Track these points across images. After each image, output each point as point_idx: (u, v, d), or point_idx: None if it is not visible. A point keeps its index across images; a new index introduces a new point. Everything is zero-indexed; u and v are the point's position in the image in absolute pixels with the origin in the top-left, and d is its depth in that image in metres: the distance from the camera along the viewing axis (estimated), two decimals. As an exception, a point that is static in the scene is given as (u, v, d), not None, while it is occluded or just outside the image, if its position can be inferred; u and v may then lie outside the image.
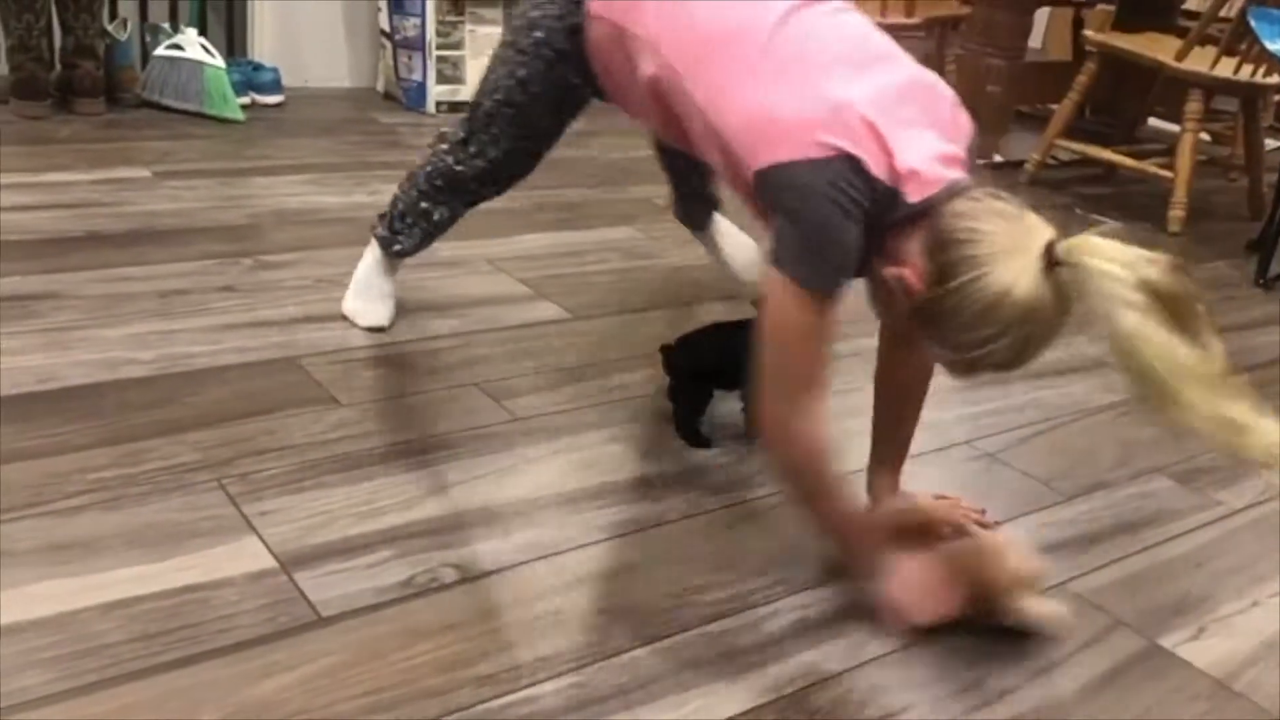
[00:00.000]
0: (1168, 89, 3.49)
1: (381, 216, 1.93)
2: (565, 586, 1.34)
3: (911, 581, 1.33)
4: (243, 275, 2.10)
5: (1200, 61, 3.06)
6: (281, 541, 1.35)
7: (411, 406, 1.72)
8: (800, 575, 1.41)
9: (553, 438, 1.67)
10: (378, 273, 1.98)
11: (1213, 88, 3.13)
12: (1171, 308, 1.08)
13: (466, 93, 3.44)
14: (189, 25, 3.14)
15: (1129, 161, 3.29)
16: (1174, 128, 3.39)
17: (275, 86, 3.25)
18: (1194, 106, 3.08)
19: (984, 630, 1.33)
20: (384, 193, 2.64)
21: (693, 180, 2.13)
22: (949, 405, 1.90)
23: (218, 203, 2.47)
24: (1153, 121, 4.16)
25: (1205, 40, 3.10)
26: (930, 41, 3.70)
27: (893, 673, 1.27)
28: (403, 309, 2.02)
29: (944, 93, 1.34)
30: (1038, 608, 1.33)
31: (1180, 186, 3.09)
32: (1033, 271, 1.16)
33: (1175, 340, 1.07)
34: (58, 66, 2.97)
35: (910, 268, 1.23)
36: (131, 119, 2.98)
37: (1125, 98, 3.84)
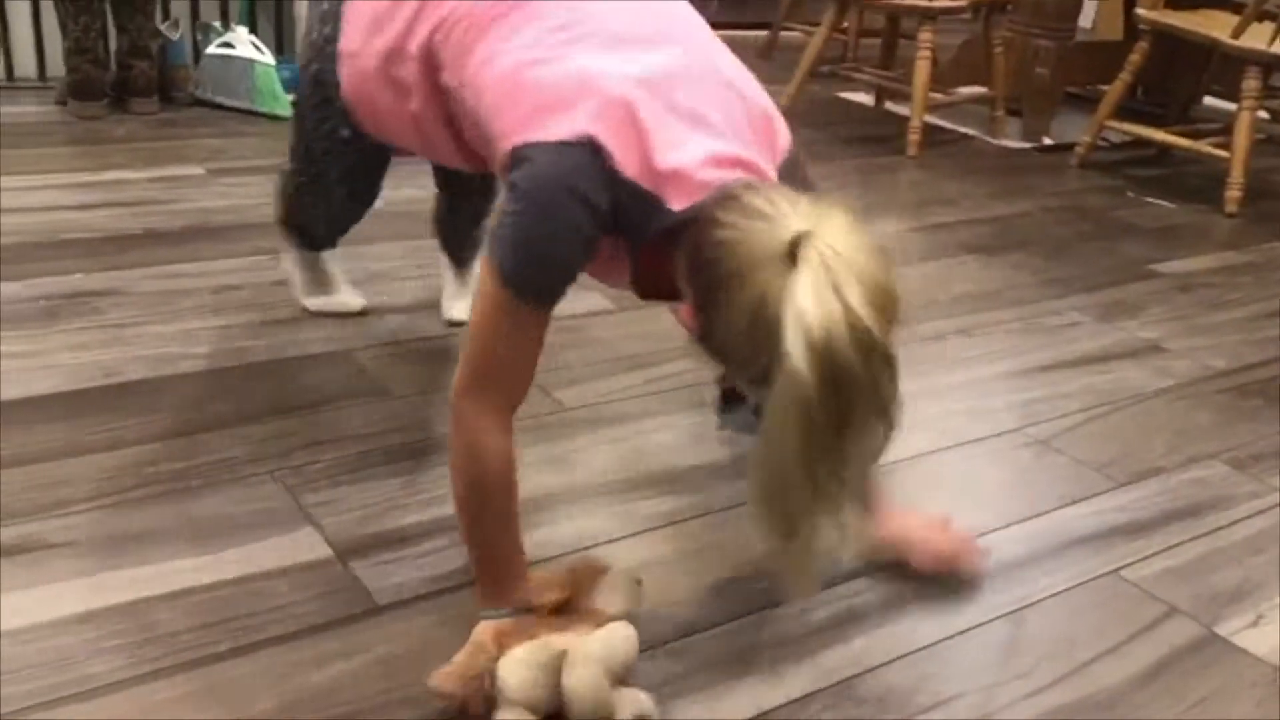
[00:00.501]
0: (1223, 67, 3.42)
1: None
2: (615, 575, 1.35)
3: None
4: (294, 270, 2.13)
5: (1257, 38, 2.99)
6: (337, 531, 1.38)
7: (461, 398, 1.73)
8: (846, 565, 1.41)
9: (601, 428, 1.69)
10: (308, 265, 1.92)
11: (1271, 64, 3.06)
12: (842, 379, 0.95)
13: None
14: (239, 24, 3.19)
15: (1183, 142, 3.23)
16: (1230, 106, 3.32)
17: (323, 82, 3.29)
18: (1251, 84, 3.02)
19: (1034, 617, 1.32)
20: (431, 188, 2.67)
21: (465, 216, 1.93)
22: (998, 392, 1.89)
23: (268, 199, 2.48)
24: (1208, 100, 4.08)
25: (1262, 16, 3.03)
26: (977, 23, 3.66)
27: (942, 661, 1.26)
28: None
29: (749, 93, 1.19)
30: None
31: (1237, 166, 3.03)
32: (778, 278, 0.98)
33: (808, 445, 0.97)
34: (113, 67, 3.03)
35: (684, 304, 1.09)
36: (185, 117, 3.03)
37: (1179, 77, 3.77)
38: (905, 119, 3.37)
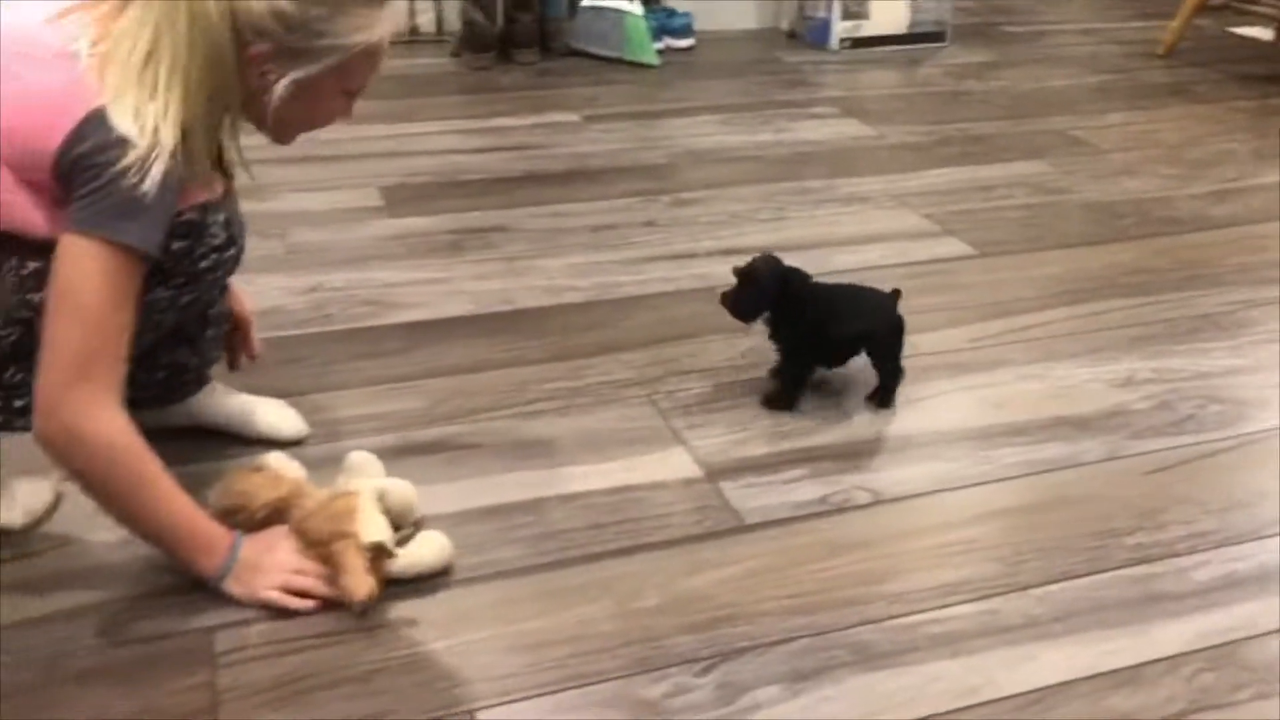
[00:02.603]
0: None
1: None
2: (976, 518, 1.36)
3: (252, 561, 1.19)
4: (662, 211, 2.26)
5: None
6: (705, 453, 1.48)
7: (821, 337, 1.78)
8: (1233, 527, 1.34)
9: (960, 374, 1.68)
10: None
11: None
12: None
13: (870, 28, 3.43)
14: (611, -24, 3.36)
15: None
16: None
17: (687, 31, 3.41)
18: None
19: None
20: (789, 130, 2.73)
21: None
22: None
23: (638, 144, 2.65)
24: None
25: None
26: None
27: (1340, 639, 1.18)
28: (813, 244, 2.09)
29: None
30: (415, 559, 1.23)
31: None
32: None
33: None
34: (499, 20, 3.29)
35: None
36: (561, 67, 3.25)
37: None
38: (1313, 55, 3.03)
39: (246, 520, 1.23)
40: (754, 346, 1.73)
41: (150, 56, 1.07)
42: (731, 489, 1.41)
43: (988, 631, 1.18)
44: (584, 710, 1.08)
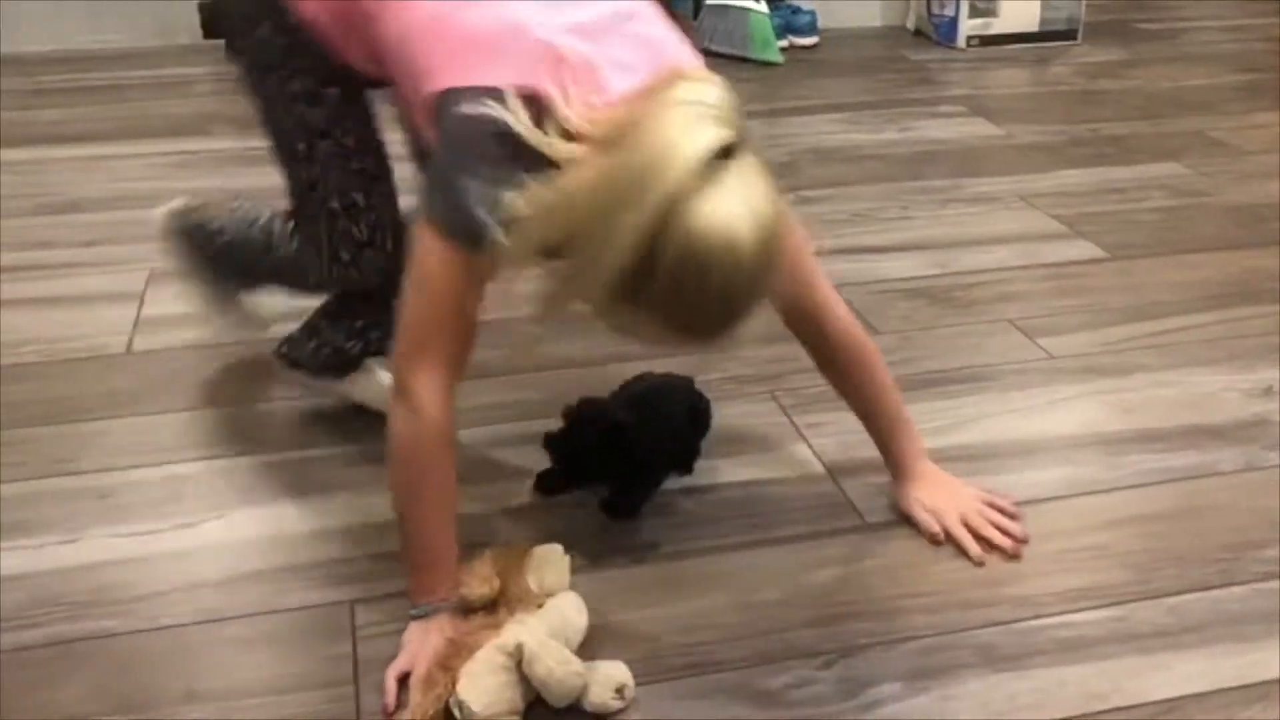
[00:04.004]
0: None
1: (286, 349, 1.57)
2: (1107, 525, 1.34)
3: (422, 630, 1.14)
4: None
5: None
6: (827, 451, 1.49)
7: (945, 338, 1.77)
8: (1379, 545, 1.29)
9: (1091, 378, 1.65)
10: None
11: None
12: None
13: (999, 25, 3.37)
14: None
15: None
16: None
17: (812, 28, 3.40)
18: None
19: None
20: (914, 129, 2.70)
21: None
22: None
23: (761, 141, 2.63)
24: None
25: None
26: None
27: None
28: (939, 244, 2.07)
29: (669, 53, 1.13)
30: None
31: None
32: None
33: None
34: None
35: None
36: (684, 65, 3.27)
37: None
38: None
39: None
40: (882, 347, 1.73)
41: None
42: (854, 487, 1.41)
43: (1116, 639, 1.17)
44: (704, 697, 1.11)
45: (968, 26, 3.37)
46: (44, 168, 2.46)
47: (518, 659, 1.06)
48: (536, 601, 1.15)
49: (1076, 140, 2.62)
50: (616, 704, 1.08)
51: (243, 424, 1.55)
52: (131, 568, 1.27)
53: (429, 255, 1.10)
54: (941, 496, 1.34)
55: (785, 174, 2.44)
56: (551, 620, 1.12)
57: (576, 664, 1.07)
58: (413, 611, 1.16)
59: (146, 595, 1.23)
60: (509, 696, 1.06)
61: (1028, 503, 1.37)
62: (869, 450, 1.47)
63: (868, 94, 2.99)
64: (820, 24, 3.43)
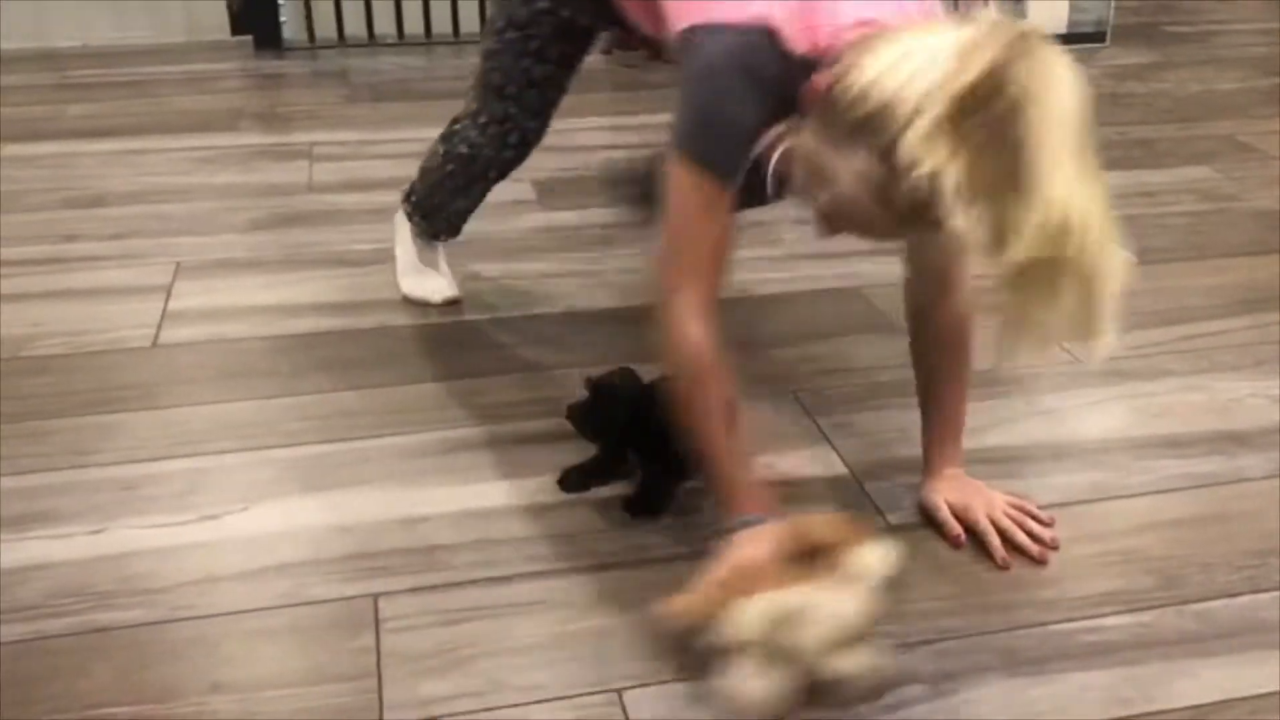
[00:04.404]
0: None
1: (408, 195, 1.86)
2: (1135, 529, 1.33)
3: (738, 544, 1.14)
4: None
5: None
6: (851, 452, 1.48)
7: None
8: None
9: (1119, 382, 1.64)
10: (422, 247, 1.90)
11: None
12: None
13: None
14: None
15: None
16: None
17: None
18: None
19: None
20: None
21: None
22: None
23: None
24: None
25: None
26: None
27: None
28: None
29: None
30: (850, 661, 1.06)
31: None
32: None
33: None
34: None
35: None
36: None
37: None
38: None
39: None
40: (901, 348, 1.72)
41: None
42: (877, 488, 1.41)
43: (1142, 644, 1.16)
44: (727, 697, 1.10)
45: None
46: (71, 162, 2.48)
47: (792, 619, 1.04)
48: (841, 578, 1.09)
49: (1104, 144, 2.55)
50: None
51: (267, 417, 1.56)
52: (156, 559, 1.28)
53: (674, 182, 1.17)
54: (971, 495, 1.33)
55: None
56: (840, 602, 1.07)
57: (832, 648, 1.05)
58: (738, 521, 1.17)
59: (170, 586, 1.24)
60: (769, 644, 1.04)
61: (1055, 506, 1.36)
62: (892, 452, 1.47)
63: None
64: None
